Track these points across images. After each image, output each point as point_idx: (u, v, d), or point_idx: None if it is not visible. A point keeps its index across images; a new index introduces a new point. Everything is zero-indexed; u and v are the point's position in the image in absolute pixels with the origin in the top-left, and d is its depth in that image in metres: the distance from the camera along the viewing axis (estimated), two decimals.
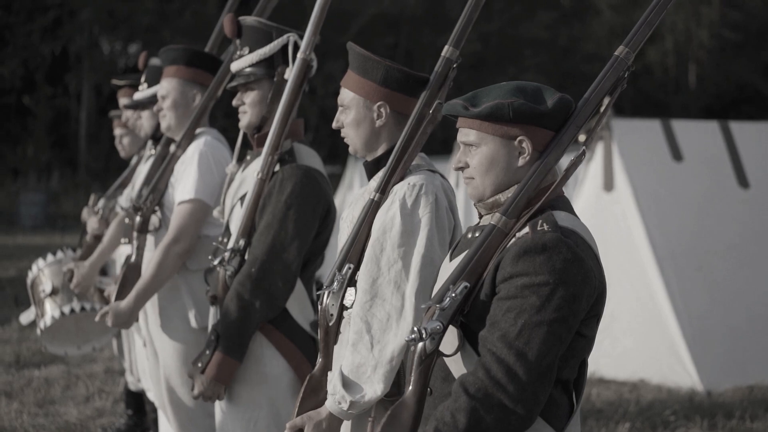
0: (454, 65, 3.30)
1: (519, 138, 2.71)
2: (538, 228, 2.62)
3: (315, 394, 3.32)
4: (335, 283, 3.29)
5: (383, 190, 3.27)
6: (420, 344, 2.64)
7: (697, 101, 37.26)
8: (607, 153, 8.75)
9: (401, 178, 3.28)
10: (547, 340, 2.54)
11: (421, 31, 33.36)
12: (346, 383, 3.13)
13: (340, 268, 3.30)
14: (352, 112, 3.40)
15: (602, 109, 2.80)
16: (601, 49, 35.39)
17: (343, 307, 3.28)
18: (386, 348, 3.12)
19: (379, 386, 3.11)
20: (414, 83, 3.34)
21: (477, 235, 2.77)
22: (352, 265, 3.28)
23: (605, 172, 8.76)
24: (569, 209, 2.74)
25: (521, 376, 2.53)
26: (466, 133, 2.77)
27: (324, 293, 3.31)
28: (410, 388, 2.67)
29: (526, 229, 2.64)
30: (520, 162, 2.72)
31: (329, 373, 3.28)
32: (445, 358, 2.70)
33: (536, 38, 37.01)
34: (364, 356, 3.13)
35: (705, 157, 8.92)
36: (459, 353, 2.70)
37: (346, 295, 3.28)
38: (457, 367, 2.71)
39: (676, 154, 8.83)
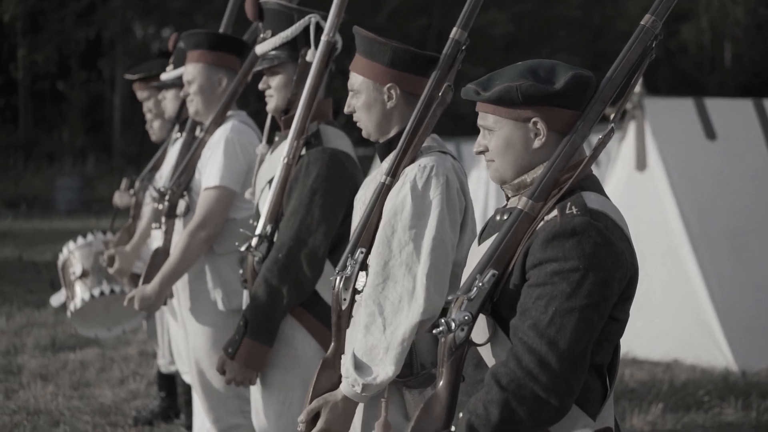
0: (463, 47, 3.28)
1: (533, 120, 2.65)
2: (567, 211, 2.56)
3: (328, 378, 3.32)
4: (348, 268, 3.28)
5: (394, 174, 3.26)
6: (450, 335, 2.60)
7: (733, 80, 36.95)
8: (639, 132, 8.68)
9: (412, 160, 3.27)
10: (579, 327, 2.48)
11: (454, 12, 33.12)
12: (358, 366, 3.13)
13: (352, 253, 3.29)
14: (363, 95, 3.39)
15: (632, 82, 2.74)
16: (635, 28, 35.09)
17: (355, 291, 3.28)
18: (398, 330, 3.12)
19: (391, 368, 3.10)
20: (422, 62, 3.33)
21: (505, 218, 2.72)
22: (364, 250, 3.27)
23: (638, 151, 8.69)
24: (599, 189, 2.68)
25: (553, 366, 2.47)
26: (483, 117, 2.74)
27: (336, 278, 3.31)
28: (442, 380, 2.63)
29: (555, 213, 2.58)
30: (536, 144, 2.67)
31: (342, 356, 3.28)
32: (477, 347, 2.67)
33: (569, 18, 36.79)
34: (376, 338, 3.13)
35: (738, 135, 8.84)
36: (491, 341, 2.65)
37: (358, 278, 3.27)
38: (489, 354, 2.67)
39: (710, 133, 8.76)
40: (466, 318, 2.58)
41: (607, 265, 2.51)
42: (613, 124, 2.67)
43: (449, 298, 2.67)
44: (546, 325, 2.49)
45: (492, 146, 2.72)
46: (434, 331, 2.60)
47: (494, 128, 2.70)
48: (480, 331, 2.65)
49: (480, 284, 2.59)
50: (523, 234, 2.61)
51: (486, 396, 2.52)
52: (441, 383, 2.64)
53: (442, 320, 2.59)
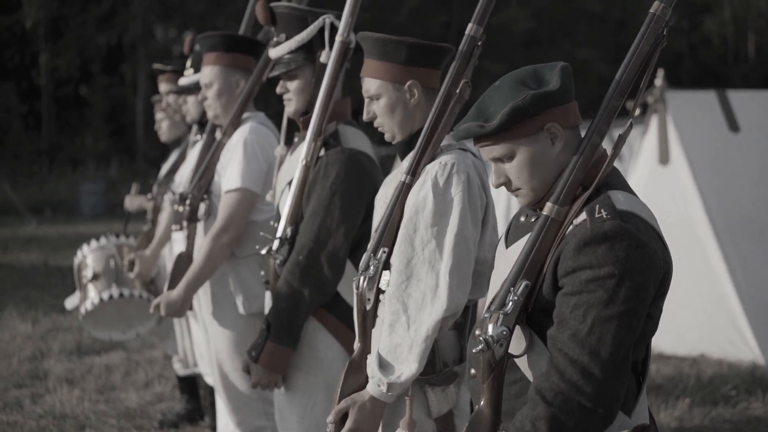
0: (479, 43, 3.25)
1: (546, 126, 2.60)
2: (596, 215, 2.52)
3: (356, 379, 3.32)
4: (371, 268, 3.28)
5: (414, 172, 3.25)
6: (489, 353, 2.57)
7: (757, 71, 36.75)
8: (662, 126, 8.63)
9: (432, 158, 3.26)
10: (619, 333, 2.45)
11: (473, 9, 33.11)
12: (383, 365, 3.14)
13: (374, 252, 3.28)
14: (384, 98, 3.37)
15: (646, 73, 2.69)
16: None
17: (379, 291, 3.27)
18: (421, 327, 3.12)
19: (414, 365, 3.11)
20: (438, 55, 3.33)
21: (533, 220, 2.69)
22: (386, 249, 3.27)
23: (660, 145, 8.64)
24: (624, 185, 2.64)
25: (597, 375, 2.45)
26: (490, 150, 2.65)
27: (360, 278, 3.30)
28: (484, 397, 2.61)
29: (584, 216, 2.54)
30: (558, 146, 2.62)
31: (368, 356, 3.27)
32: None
33: (590, 12, 36.66)
34: (401, 336, 3.14)
35: (762, 127, 8.77)
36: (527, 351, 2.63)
37: (382, 278, 3.26)
38: (525, 364, 2.65)
39: (733, 125, 8.70)
40: (504, 333, 2.56)
41: (641, 268, 2.48)
42: (631, 120, 2.62)
43: (485, 315, 2.63)
44: (586, 335, 2.46)
45: (515, 174, 2.65)
46: (474, 351, 2.58)
47: (511, 155, 2.63)
48: (516, 341, 2.62)
49: (515, 298, 2.57)
50: (552, 240, 2.58)
51: (532, 412, 2.49)
52: (483, 401, 2.62)
53: (481, 338, 2.57)
